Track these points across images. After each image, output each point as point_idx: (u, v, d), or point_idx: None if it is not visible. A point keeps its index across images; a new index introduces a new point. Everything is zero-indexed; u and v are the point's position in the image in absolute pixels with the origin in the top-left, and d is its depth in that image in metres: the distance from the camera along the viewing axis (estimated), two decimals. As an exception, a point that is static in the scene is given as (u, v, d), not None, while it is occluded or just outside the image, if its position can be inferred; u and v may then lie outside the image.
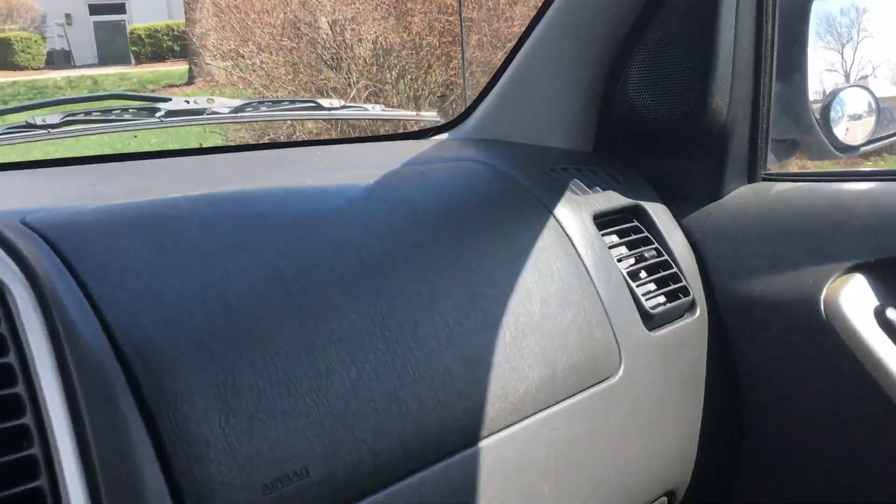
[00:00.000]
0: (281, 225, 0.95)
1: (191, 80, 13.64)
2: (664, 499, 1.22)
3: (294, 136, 5.46)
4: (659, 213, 1.32)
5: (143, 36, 19.08)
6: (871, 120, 1.53)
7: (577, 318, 1.09)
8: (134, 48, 19.29)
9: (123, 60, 19.85)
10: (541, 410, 1.02)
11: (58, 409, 0.60)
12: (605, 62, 1.38)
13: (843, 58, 1.70)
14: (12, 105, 1.35)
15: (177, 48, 18.25)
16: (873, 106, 1.53)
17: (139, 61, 18.98)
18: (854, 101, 1.52)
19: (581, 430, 1.06)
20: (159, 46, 18.95)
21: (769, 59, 1.33)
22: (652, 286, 1.23)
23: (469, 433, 0.94)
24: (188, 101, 1.41)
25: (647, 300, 1.20)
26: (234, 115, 1.45)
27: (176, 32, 18.23)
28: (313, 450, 0.81)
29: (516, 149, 1.40)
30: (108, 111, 1.37)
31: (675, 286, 1.25)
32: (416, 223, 1.06)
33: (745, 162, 1.37)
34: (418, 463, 0.89)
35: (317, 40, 5.86)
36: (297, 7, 5.91)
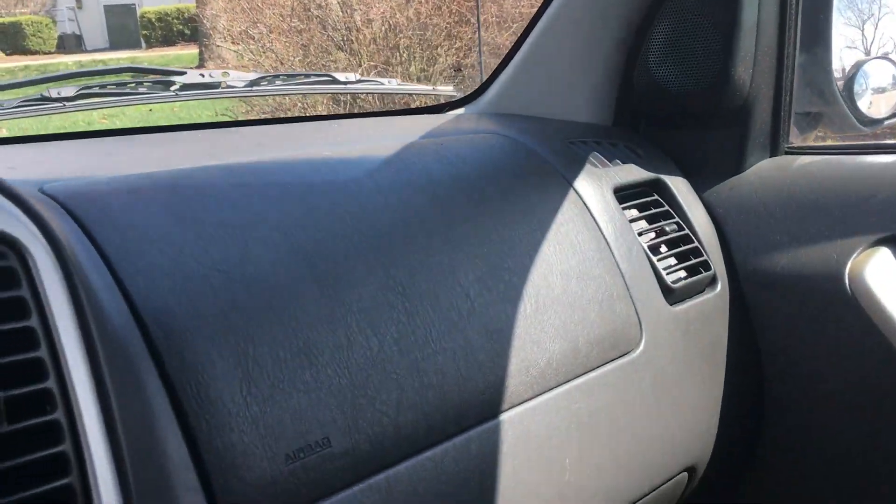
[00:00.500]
0: (300, 196, 0.94)
1: (201, 64, 13.63)
2: (684, 474, 1.21)
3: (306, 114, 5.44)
4: (680, 186, 1.31)
5: (153, 19, 19.05)
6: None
7: (598, 292, 1.08)
8: (144, 32, 19.27)
9: (134, 44, 19.84)
10: (562, 384, 1.01)
11: (81, 373, 0.60)
12: (625, 34, 1.36)
13: (863, 34, 1.67)
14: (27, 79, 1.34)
15: (187, 32, 18.22)
16: (898, 79, 1.50)
17: (150, 45, 18.97)
18: (878, 74, 1.49)
19: (602, 404, 1.05)
20: (170, 30, 18.92)
21: (793, 30, 1.31)
22: (673, 260, 1.22)
23: (491, 406, 0.93)
24: (203, 75, 1.40)
25: (667, 274, 1.18)
26: (250, 88, 1.44)
27: (186, 16, 18.19)
28: (335, 421, 0.80)
29: (535, 122, 1.38)
30: (123, 84, 1.36)
31: (696, 260, 1.23)
32: (436, 195, 1.04)
33: (767, 135, 1.35)
34: (440, 435, 0.88)
35: (326, 21, 5.83)
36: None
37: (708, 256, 1.25)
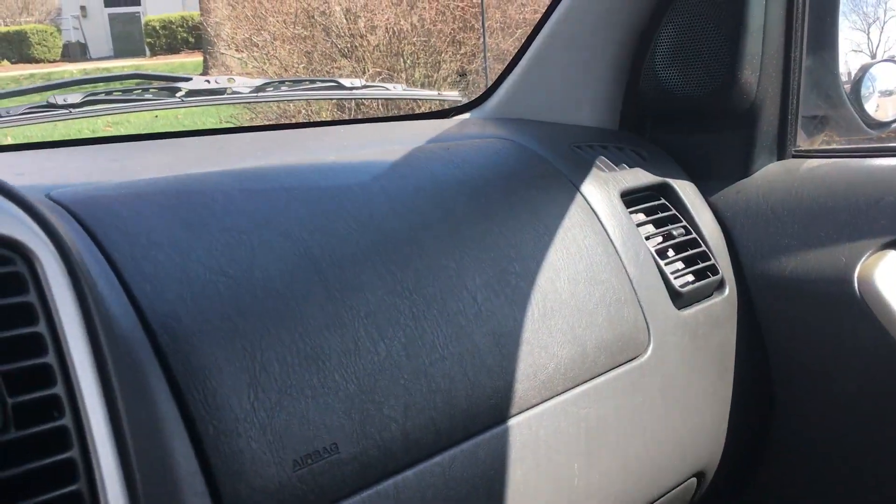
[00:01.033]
0: (307, 201, 0.94)
1: (206, 71, 13.68)
2: (693, 479, 1.20)
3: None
4: (687, 190, 1.30)
5: (157, 27, 19.12)
6: (903, 96, 1.50)
7: (605, 297, 1.08)
8: (149, 40, 19.33)
9: (138, 52, 19.90)
10: (570, 389, 1.00)
11: (88, 379, 0.59)
12: (631, 37, 1.36)
13: (869, 38, 1.67)
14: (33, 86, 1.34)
15: (191, 39, 18.28)
16: (905, 82, 1.49)
17: (154, 53, 19.03)
18: (885, 77, 1.49)
19: (611, 409, 1.04)
20: (174, 38, 18.99)
21: (799, 33, 1.30)
22: (680, 264, 1.21)
23: (499, 411, 0.93)
24: (209, 81, 1.40)
25: (675, 278, 1.18)
26: (255, 94, 1.44)
27: (190, 24, 18.26)
28: (343, 426, 0.80)
29: (541, 126, 1.38)
30: (129, 91, 1.36)
31: (704, 264, 1.23)
32: (442, 199, 1.04)
33: (774, 138, 1.34)
34: (448, 441, 0.87)
35: (330, 28, 5.84)
36: (309, -4, 5.89)
37: (715, 260, 1.24)
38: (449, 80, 5.58)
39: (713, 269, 1.23)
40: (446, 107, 1.58)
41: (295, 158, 1.06)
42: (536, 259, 1.04)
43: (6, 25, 20.11)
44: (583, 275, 1.07)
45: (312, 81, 1.52)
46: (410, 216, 0.99)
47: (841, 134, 1.45)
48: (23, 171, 0.98)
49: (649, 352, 1.10)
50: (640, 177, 1.26)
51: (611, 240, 1.13)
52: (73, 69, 16.30)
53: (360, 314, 0.86)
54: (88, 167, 1.07)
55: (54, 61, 19.35)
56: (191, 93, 1.37)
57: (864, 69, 1.47)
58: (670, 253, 1.21)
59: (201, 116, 8.94)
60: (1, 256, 0.58)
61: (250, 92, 1.44)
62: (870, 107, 1.44)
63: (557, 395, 0.99)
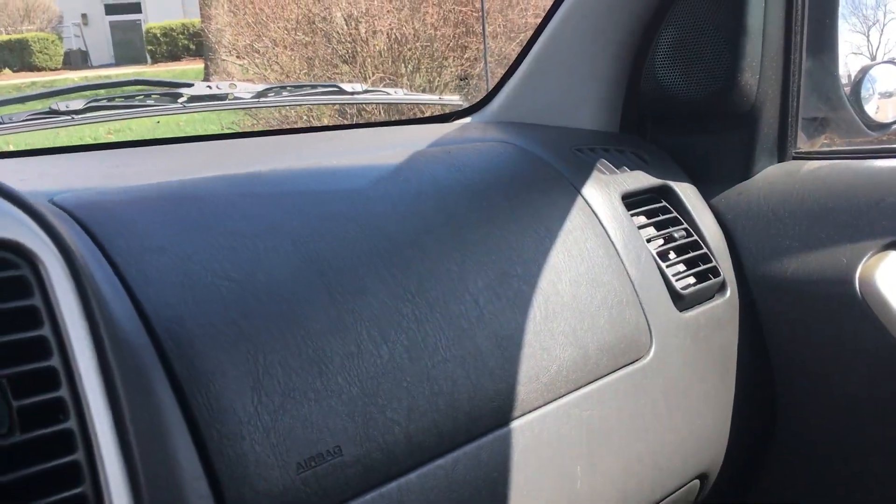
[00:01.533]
0: (310, 205, 0.94)
1: (207, 78, 13.70)
2: (696, 481, 1.20)
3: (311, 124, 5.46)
4: (688, 192, 1.30)
5: (158, 35, 19.16)
6: (903, 98, 1.50)
7: (607, 299, 1.08)
8: (150, 47, 19.37)
9: (139, 60, 19.96)
10: (573, 391, 1.00)
11: (93, 382, 0.60)
12: (631, 40, 1.36)
13: (868, 40, 1.67)
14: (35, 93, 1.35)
15: (192, 46, 18.32)
16: (904, 83, 1.50)
17: (155, 60, 19.08)
18: (885, 79, 1.49)
19: (613, 411, 1.04)
20: (175, 45, 19.03)
21: (799, 35, 1.31)
22: (682, 267, 1.22)
23: (501, 413, 0.93)
24: (210, 87, 1.41)
25: (676, 281, 1.18)
26: (257, 100, 1.44)
27: (191, 31, 18.30)
28: (346, 429, 0.80)
29: (542, 130, 1.38)
30: (131, 97, 1.37)
31: (705, 266, 1.23)
32: (444, 203, 1.04)
33: (775, 140, 1.34)
34: (451, 443, 0.88)
35: (331, 34, 5.86)
36: (311, 1, 5.91)
37: (717, 262, 1.24)
38: (451, 84, 5.59)
39: (714, 271, 1.23)
40: (448, 111, 1.59)
41: (298, 163, 1.06)
42: (538, 262, 1.04)
43: (7, 34, 20.17)
44: (584, 277, 1.07)
45: (314, 87, 1.52)
46: (412, 220, 0.99)
47: (841, 136, 1.46)
48: (25, 177, 0.98)
49: (651, 354, 1.10)
50: (641, 179, 1.26)
51: (612, 242, 1.14)
52: (75, 77, 16.34)
53: (363, 317, 0.86)
54: (90, 173, 1.07)
55: (56, 69, 19.39)
56: (193, 99, 1.38)
57: (864, 71, 1.47)
58: (672, 255, 1.21)
59: (203, 123, 8.95)
60: (6, 260, 0.59)
61: (252, 97, 1.44)
62: (870, 108, 1.44)
63: (560, 398, 0.99)
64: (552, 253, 1.06)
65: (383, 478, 0.82)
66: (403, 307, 0.90)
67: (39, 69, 19.02)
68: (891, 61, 1.52)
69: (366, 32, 5.50)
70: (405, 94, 1.55)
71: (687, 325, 1.17)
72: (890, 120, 1.47)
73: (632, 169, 1.27)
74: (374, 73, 5.59)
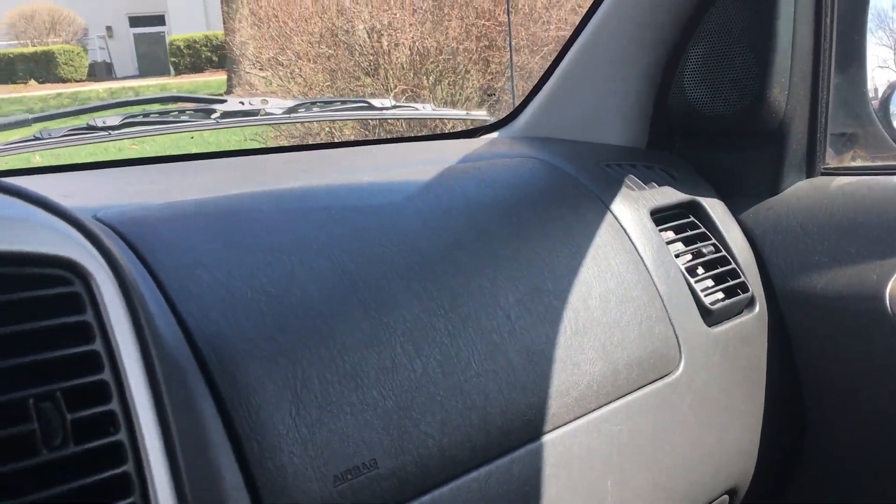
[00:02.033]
0: (342, 221, 0.96)
1: (230, 90, 13.83)
2: (725, 496, 1.20)
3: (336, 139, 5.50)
4: (716, 208, 1.31)
5: (182, 47, 19.38)
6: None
7: (636, 314, 1.08)
8: (173, 59, 19.60)
9: (163, 71, 20.19)
10: (603, 406, 1.01)
11: (142, 396, 0.61)
12: (659, 56, 1.37)
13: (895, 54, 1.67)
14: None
15: (215, 58, 18.51)
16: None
17: (178, 72, 19.29)
18: (914, 94, 1.49)
19: (643, 426, 1.05)
20: (198, 57, 19.24)
21: (828, 51, 1.31)
22: (710, 282, 1.22)
23: (533, 428, 0.94)
24: (243, 102, 1.43)
25: (705, 296, 1.18)
26: (288, 115, 1.47)
27: (214, 43, 18.49)
28: (382, 442, 0.81)
29: (570, 145, 1.39)
30: (166, 112, 1.39)
31: (734, 282, 1.23)
32: (475, 218, 1.06)
33: (803, 156, 1.35)
34: (484, 457, 0.89)
35: (354, 47, 5.91)
36: (334, 14, 5.96)
37: (745, 278, 1.25)
38: (474, 98, 5.61)
39: (743, 287, 1.23)
40: (474, 126, 1.60)
41: (330, 179, 1.08)
42: (568, 277, 1.05)
43: (34, 46, 20.49)
44: (614, 292, 1.08)
45: (344, 102, 1.54)
46: (444, 235, 1.00)
47: (869, 151, 1.46)
48: (68, 192, 1.00)
49: (680, 369, 1.11)
50: (669, 195, 1.27)
51: (641, 258, 1.14)
52: (100, 88, 16.56)
53: (397, 332, 0.88)
54: (129, 188, 1.10)
55: (81, 80, 19.66)
56: (225, 114, 1.40)
57: (893, 86, 1.47)
58: (700, 270, 1.22)
59: (226, 134, 9.04)
60: (60, 277, 0.60)
61: (283, 113, 1.47)
62: (899, 124, 1.44)
63: (590, 412, 1.00)
64: (582, 268, 1.07)
65: (417, 491, 0.83)
66: (436, 322, 0.91)
67: (65, 80, 19.29)
68: (920, 77, 1.52)
69: (388, 45, 5.54)
70: (433, 110, 1.57)
71: (716, 340, 1.17)
72: (919, 135, 1.47)
73: (660, 184, 1.28)
74: (395, 86, 5.62)
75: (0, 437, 0.54)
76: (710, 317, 1.17)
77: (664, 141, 1.43)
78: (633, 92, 1.41)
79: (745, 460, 1.21)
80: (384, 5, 5.69)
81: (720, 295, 1.21)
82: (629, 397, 1.04)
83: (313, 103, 1.51)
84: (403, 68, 5.66)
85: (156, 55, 21.60)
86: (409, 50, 5.53)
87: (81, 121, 1.33)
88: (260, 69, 7.96)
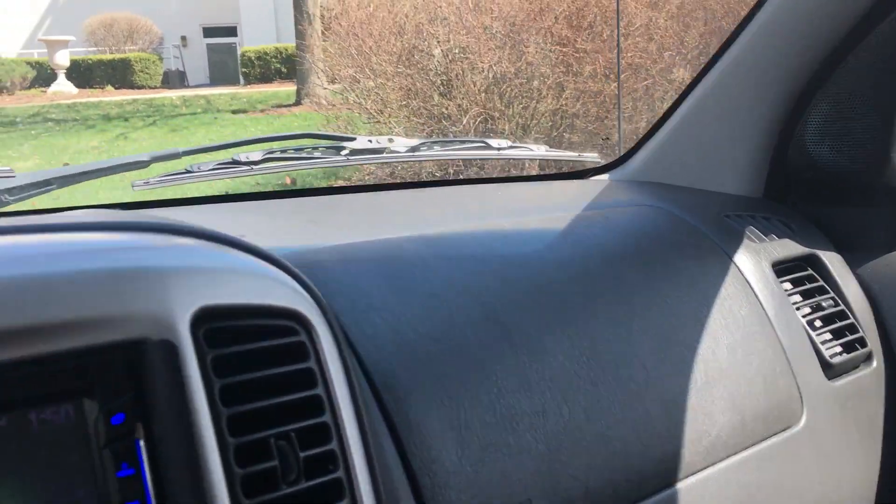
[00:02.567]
0: (494, 268, 1.02)
1: (298, 101, 14.12)
2: None
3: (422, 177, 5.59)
4: (833, 261, 1.33)
5: (252, 58, 19.86)
6: None
7: (762, 366, 1.12)
8: (244, 69, 20.09)
9: (233, 81, 20.70)
10: (731, 455, 1.05)
11: (355, 437, 0.68)
12: (782, 110, 1.40)
13: None
14: (218, 143, 1.47)
15: (284, 70, 18.90)
16: None
17: (248, 82, 19.75)
18: None
19: (769, 477, 1.08)
20: (267, 68, 19.67)
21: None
22: (829, 336, 1.25)
23: (668, 474, 0.98)
24: (371, 141, 1.51)
25: (826, 350, 1.21)
26: (411, 153, 1.54)
27: (284, 55, 18.89)
28: (535, 484, 0.87)
29: (688, 194, 1.43)
30: (301, 149, 1.48)
31: (852, 336, 1.26)
32: (610, 267, 1.11)
33: None
34: (624, 501, 0.93)
35: (429, 68, 6.01)
36: (412, 35, 6.08)
37: (864, 332, 1.27)
38: (544, 122, 5.66)
39: (861, 342, 1.26)
40: (585, 167, 1.65)
41: (472, 223, 1.14)
42: (697, 328, 1.10)
43: (112, 53, 21.21)
44: (740, 344, 1.12)
45: (462, 141, 1.61)
46: (583, 283, 1.06)
47: None
48: (240, 231, 1.09)
49: (802, 422, 1.14)
50: (789, 247, 1.30)
51: (764, 310, 1.18)
52: (174, 96, 17.05)
53: (546, 378, 0.93)
54: (282, 223, 1.18)
55: (155, 87, 20.27)
56: (354, 152, 1.48)
57: None
58: (818, 324, 1.25)
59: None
60: (290, 328, 0.68)
61: (406, 151, 1.54)
62: None
63: (720, 461, 1.03)
64: (709, 319, 1.11)
65: None
66: (580, 370, 0.96)
67: (140, 87, 19.91)
68: None
69: (465, 67, 5.63)
70: (547, 151, 1.63)
71: (836, 393, 1.20)
72: None
73: (779, 237, 1.31)
74: (470, 107, 5.70)
75: (249, 473, 0.61)
76: (830, 370, 1.20)
77: (779, 192, 1.46)
78: (753, 142, 1.44)
79: None
80: (461, 28, 5.79)
81: (839, 349, 1.24)
82: (755, 448, 1.08)
83: (434, 142, 1.58)
84: (478, 90, 5.74)
85: (227, 65, 22.18)
86: (485, 73, 5.61)
87: (225, 155, 1.42)
88: (331, 82, 8.11)
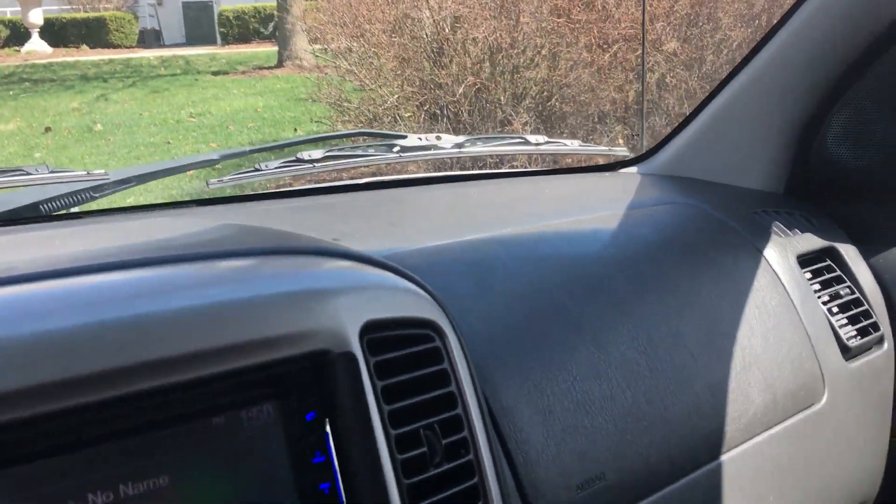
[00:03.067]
0: (560, 268, 1.15)
1: (280, 63, 14.00)
2: None
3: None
4: (850, 253, 1.48)
5: (231, 17, 19.61)
6: None
7: (790, 351, 1.26)
8: (222, 29, 19.83)
9: (210, 40, 20.42)
10: (765, 431, 1.20)
11: (480, 426, 0.81)
12: (809, 111, 1.51)
13: None
14: (283, 140, 1.57)
15: (263, 30, 18.67)
16: None
17: (226, 42, 19.51)
18: None
19: (796, 449, 1.23)
20: (246, 28, 19.44)
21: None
22: (845, 321, 1.39)
23: (714, 449, 1.12)
24: (420, 139, 1.62)
25: (844, 334, 1.36)
26: (457, 149, 1.65)
27: (263, 15, 18.66)
28: (607, 460, 1.01)
29: (719, 190, 1.56)
30: (356, 147, 1.59)
31: (867, 322, 1.40)
32: (657, 264, 1.24)
33: None
34: (681, 472, 1.08)
35: (423, 37, 6.05)
36: (407, 5, 6.10)
37: (876, 317, 1.42)
38: (534, 91, 5.73)
39: (875, 326, 1.41)
40: (614, 160, 1.77)
41: (535, 225, 1.26)
42: (735, 319, 1.23)
43: (86, 11, 20.81)
44: (771, 331, 1.26)
45: (503, 138, 1.72)
46: (636, 280, 1.19)
47: None
48: (334, 236, 1.19)
49: (824, 399, 1.29)
50: (811, 241, 1.44)
51: (791, 300, 1.32)
52: (151, 56, 16.82)
53: (612, 367, 1.07)
54: (364, 226, 1.28)
55: (130, 47, 19.95)
56: (404, 149, 1.59)
57: None
58: (835, 310, 1.39)
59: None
60: (427, 336, 0.80)
61: (452, 147, 1.65)
62: None
63: (756, 436, 1.18)
64: (744, 310, 1.25)
65: (632, 498, 1.03)
66: (639, 358, 1.10)
67: (115, 46, 19.59)
68: None
69: (461, 37, 5.68)
70: (580, 146, 1.74)
71: (853, 374, 1.35)
72: None
73: (802, 231, 1.45)
74: (465, 77, 5.76)
75: (406, 458, 0.74)
76: (847, 353, 1.35)
77: (801, 188, 1.59)
78: (779, 141, 1.56)
79: (874, 477, 1.39)
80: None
81: (854, 333, 1.39)
82: (785, 424, 1.22)
83: (478, 139, 1.69)
84: (473, 60, 5.80)
85: (203, 24, 21.85)
86: (480, 43, 5.66)
87: (287, 153, 1.52)
88: (312, 42, 8.07)
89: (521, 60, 5.60)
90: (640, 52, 5.27)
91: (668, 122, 5.31)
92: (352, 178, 1.88)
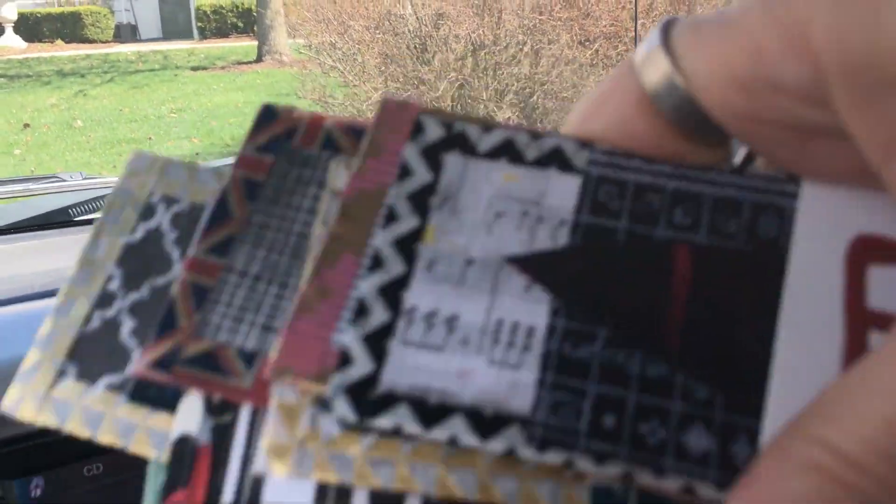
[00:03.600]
0: None
1: (260, 58, 14.02)
2: None
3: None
4: None
5: (208, 12, 19.54)
6: None
7: None
8: (199, 24, 19.76)
9: (186, 35, 20.35)
10: None
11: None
12: None
13: None
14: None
15: (240, 24, 18.66)
16: None
17: (204, 37, 19.46)
18: None
19: None
20: (224, 23, 19.39)
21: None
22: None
23: None
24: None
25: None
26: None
27: (241, 9, 18.63)
28: None
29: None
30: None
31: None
32: None
33: None
34: None
35: (406, 33, 6.15)
36: (390, 2, 6.20)
37: None
38: (517, 87, 5.86)
39: None
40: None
41: None
42: None
43: (61, 6, 20.65)
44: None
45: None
46: None
47: None
48: None
49: None
50: None
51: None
52: (128, 51, 16.74)
53: None
54: None
55: (107, 42, 19.83)
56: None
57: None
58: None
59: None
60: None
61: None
62: None
63: None
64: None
65: None
66: None
67: (91, 41, 19.47)
68: None
69: (444, 33, 5.78)
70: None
71: None
72: None
73: None
74: (448, 73, 5.87)
75: None
76: None
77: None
78: None
79: None
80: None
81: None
82: None
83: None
84: (456, 56, 5.91)
85: (180, 19, 21.74)
86: (463, 39, 5.77)
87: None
88: (291, 37, 8.14)
89: (504, 57, 5.71)
90: (619, 49, 5.39)
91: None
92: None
